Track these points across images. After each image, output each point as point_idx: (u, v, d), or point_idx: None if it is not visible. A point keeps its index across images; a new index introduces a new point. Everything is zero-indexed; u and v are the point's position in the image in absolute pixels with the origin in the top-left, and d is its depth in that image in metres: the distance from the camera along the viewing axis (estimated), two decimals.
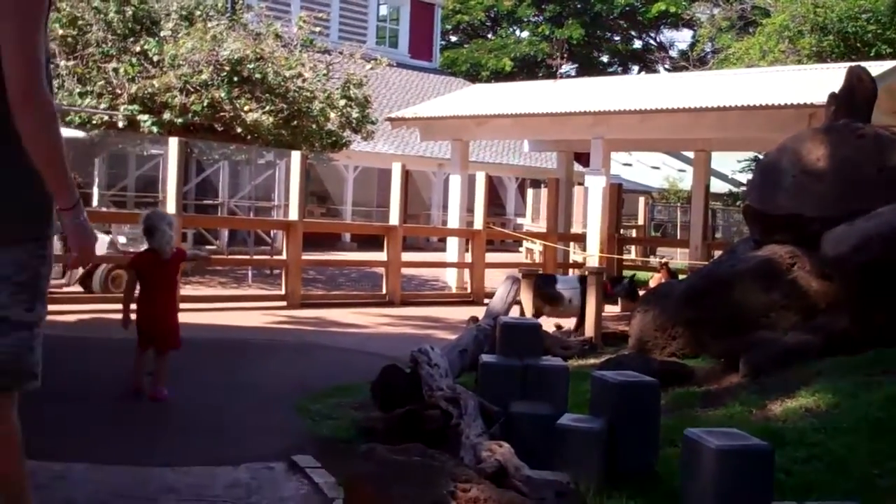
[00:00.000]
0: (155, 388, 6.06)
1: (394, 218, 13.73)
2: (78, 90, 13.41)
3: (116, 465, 4.39)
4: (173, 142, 11.89)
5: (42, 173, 2.63)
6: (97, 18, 13.89)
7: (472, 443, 4.54)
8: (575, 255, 17.00)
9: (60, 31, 13.49)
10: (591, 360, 8.14)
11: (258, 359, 8.03)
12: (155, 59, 14.05)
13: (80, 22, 13.61)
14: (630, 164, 36.55)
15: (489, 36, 47.97)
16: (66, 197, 2.67)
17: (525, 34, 46.92)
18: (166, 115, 13.79)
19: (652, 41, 48.67)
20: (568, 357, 7.90)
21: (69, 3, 13.86)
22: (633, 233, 23.18)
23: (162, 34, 14.39)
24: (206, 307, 11.08)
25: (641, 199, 24.58)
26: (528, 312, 9.87)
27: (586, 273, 10.37)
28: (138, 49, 14.03)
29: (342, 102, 15.94)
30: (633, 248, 20.89)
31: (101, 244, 11.32)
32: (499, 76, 40.12)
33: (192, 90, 13.86)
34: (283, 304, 12.09)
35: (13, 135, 2.60)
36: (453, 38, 48.32)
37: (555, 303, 10.23)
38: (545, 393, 5.26)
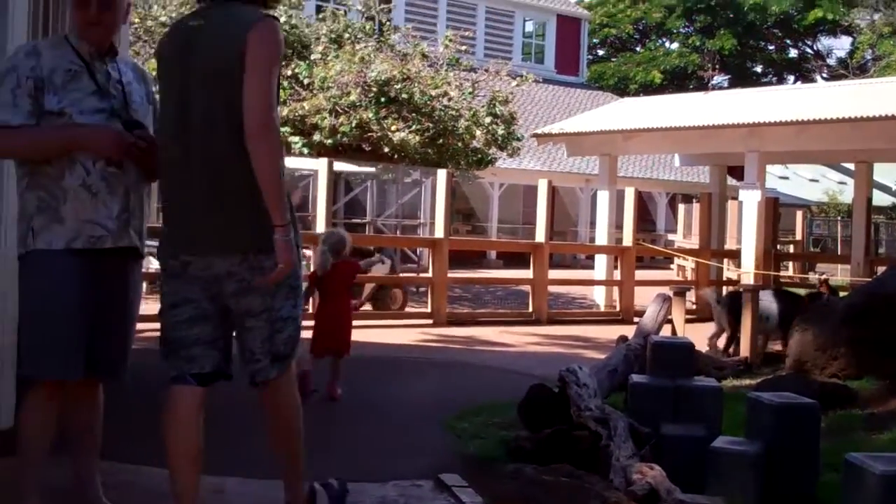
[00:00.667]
0: (331, 386, 6.69)
1: (540, 235, 13.63)
2: None
3: (268, 479, 4.45)
4: (322, 163, 12.14)
5: (263, 192, 3.13)
6: None
7: (622, 465, 4.43)
8: (729, 272, 16.51)
9: None
10: (747, 381, 7.86)
11: (406, 376, 8.06)
12: (305, 81, 14.41)
13: None
14: (787, 178, 35.37)
15: (637, 49, 47.41)
16: (281, 215, 3.17)
17: (675, 46, 46.17)
18: (316, 137, 14.11)
19: (808, 49, 47.09)
20: (722, 378, 7.65)
21: None
22: (791, 248, 22.36)
23: (312, 57, 14.76)
24: (353, 324, 11.21)
25: (799, 214, 23.69)
26: (680, 331, 9.61)
27: (785, 289, 9.91)
28: (289, 73, 14.42)
29: (488, 120, 15.96)
30: (790, 264, 20.18)
31: (384, 267, 13.19)
32: (648, 89, 39.56)
33: (340, 111, 14.15)
34: (430, 321, 12.14)
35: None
36: (600, 52, 47.96)
37: None
38: (698, 414, 5.10)
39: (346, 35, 15.59)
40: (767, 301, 9.83)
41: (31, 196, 3.31)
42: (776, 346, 9.56)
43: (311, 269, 7.09)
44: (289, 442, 3.57)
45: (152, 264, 14.10)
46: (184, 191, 3.26)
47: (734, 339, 9.78)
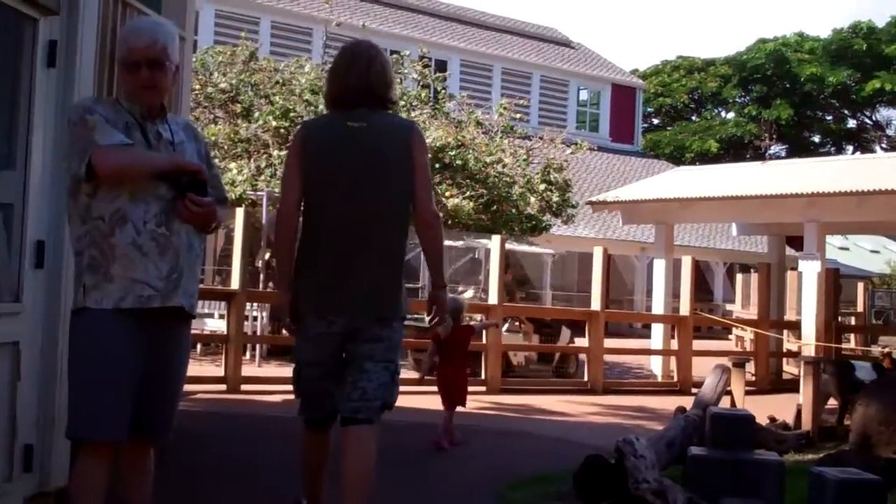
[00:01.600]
0: (449, 437, 7.58)
1: (595, 303, 13.49)
2: None
3: None
4: None
5: (431, 265, 4.06)
6: (308, 111, 14.57)
7: None
8: (789, 343, 16.20)
9: (274, 123, 14.21)
10: (809, 456, 7.64)
11: (460, 444, 7.95)
12: None
13: (291, 114, 14.31)
14: (847, 248, 34.87)
15: (693, 118, 47.37)
16: (442, 278, 4.10)
17: (731, 115, 46.08)
18: None
19: (867, 120, 46.69)
20: (783, 451, 7.43)
21: (282, 97, 14.61)
22: (852, 320, 21.90)
23: None
24: (406, 390, 11.14)
25: (860, 285, 23.24)
26: (739, 403, 9.39)
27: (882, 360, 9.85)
28: None
29: (542, 187, 15.98)
30: (852, 336, 19.74)
31: (565, 336, 14.49)
32: (704, 158, 39.45)
33: None
34: (483, 389, 12.02)
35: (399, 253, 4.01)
36: (655, 121, 48.02)
37: (857, 391, 9.54)
38: (758, 489, 4.95)
39: (402, 103, 15.76)
40: (867, 373, 9.72)
41: (84, 254, 3.34)
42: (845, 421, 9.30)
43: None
44: (361, 487, 3.80)
45: (206, 326, 14.27)
46: (342, 261, 3.91)
47: (845, 409, 9.57)
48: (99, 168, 3.28)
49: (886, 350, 14.65)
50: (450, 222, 14.91)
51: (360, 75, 4.01)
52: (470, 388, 11.89)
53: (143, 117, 3.44)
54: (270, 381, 10.73)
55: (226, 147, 14.84)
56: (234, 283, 11.04)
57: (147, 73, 3.41)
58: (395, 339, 3.95)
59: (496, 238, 12.92)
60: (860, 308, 22.65)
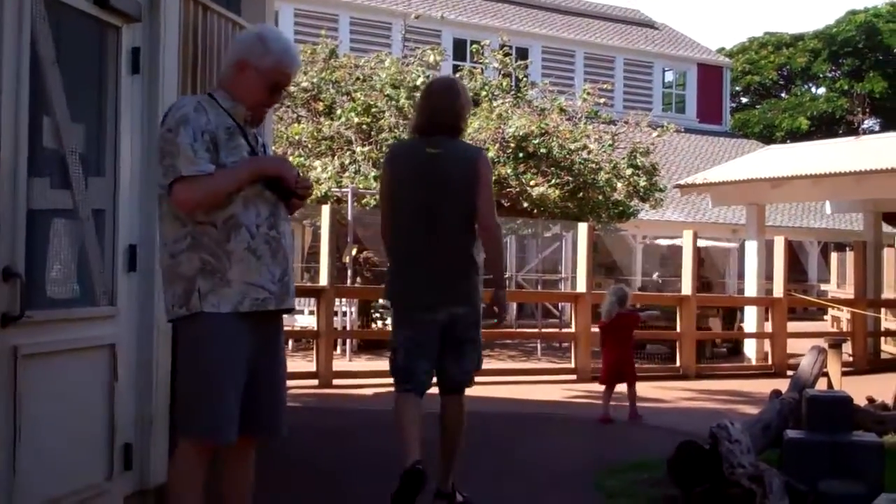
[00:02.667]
0: (630, 411, 8.40)
1: (686, 287, 13.30)
2: (373, 174, 13.99)
3: None
4: None
5: (491, 268, 4.83)
6: (389, 105, 14.64)
7: None
8: (887, 322, 15.76)
9: (356, 119, 14.32)
10: None
11: (552, 432, 7.96)
12: None
13: (373, 109, 14.40)
14: None
15: (783, 95, 46.30)
16: (502, 278, 4.93)
17: (821, 91, 44.91)
18: None
19: None
20: (882, 433, 7.22)
21: (363, 93, 14.71)
22: None
23: None
24: (496, 380, 11.15)
25: None
26: (837, 384, 9.17)
27: None
28: None
29: (629, 171, 15.81)
30: None
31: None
32: (795, 136, 38.54)
33: None
34: (573, 377, 11.96)
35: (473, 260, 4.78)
36: (744, 100, 47.05)
37: None
38: (857, 471, 4.84)
39: (484, 93, 15.74)
40: None
41: (193, 257, 3.33)
42: None
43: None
44: (454, 439, 4.79)
45: (297, 322, 14.49)
46: (430, 266, 4.69)
47: None
48: (179, 204, 3.32)
49: None
50: (535, 211, 14.84)
51: (434, 109, 4.81)
52: (559, 378, 12.00)
53: (244, 121, 3.49)
54: (361, 374, 10.82)
55: (309, 145, 15.00)
56: (323, 280, 11.18)
57: (279, 97, 3.57)
58: (474, 318, 4.80)
59: (583, 226, 12.83)
60: None
